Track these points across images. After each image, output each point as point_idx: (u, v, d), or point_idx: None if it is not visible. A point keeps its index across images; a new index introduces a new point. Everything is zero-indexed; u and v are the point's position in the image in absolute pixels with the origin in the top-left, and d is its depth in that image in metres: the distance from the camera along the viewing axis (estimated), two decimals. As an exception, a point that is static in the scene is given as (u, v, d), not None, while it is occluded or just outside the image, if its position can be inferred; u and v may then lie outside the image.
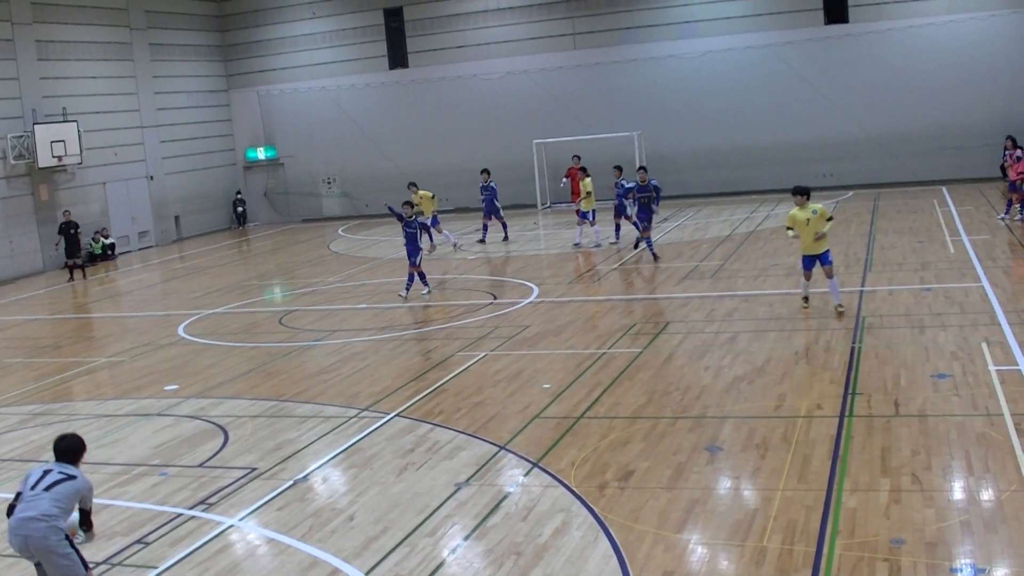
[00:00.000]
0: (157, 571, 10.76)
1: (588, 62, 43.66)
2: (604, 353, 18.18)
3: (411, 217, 25.23)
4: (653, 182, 27.92)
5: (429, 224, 30.66)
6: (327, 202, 48.24)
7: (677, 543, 10.32)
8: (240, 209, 48.93)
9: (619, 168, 31.71)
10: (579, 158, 40.16)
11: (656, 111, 42.46)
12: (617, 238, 31.45)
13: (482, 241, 34.11)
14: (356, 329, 22.55)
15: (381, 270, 31.03)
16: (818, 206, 19.99)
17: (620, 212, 30.98)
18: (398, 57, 46.55)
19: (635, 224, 28.74)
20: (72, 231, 36.44)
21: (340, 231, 42.33)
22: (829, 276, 19.89)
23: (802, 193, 20.05)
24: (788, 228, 20.12)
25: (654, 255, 27.64)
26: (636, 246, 28.97)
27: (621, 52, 43.24)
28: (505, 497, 11.91)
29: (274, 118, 49.05)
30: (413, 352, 19.87)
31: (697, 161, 42.16)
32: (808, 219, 19.67)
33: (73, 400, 18.99)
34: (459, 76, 45.65)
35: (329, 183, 48.46)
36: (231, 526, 11.86)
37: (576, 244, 31.88)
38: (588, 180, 31.30)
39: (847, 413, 13.81)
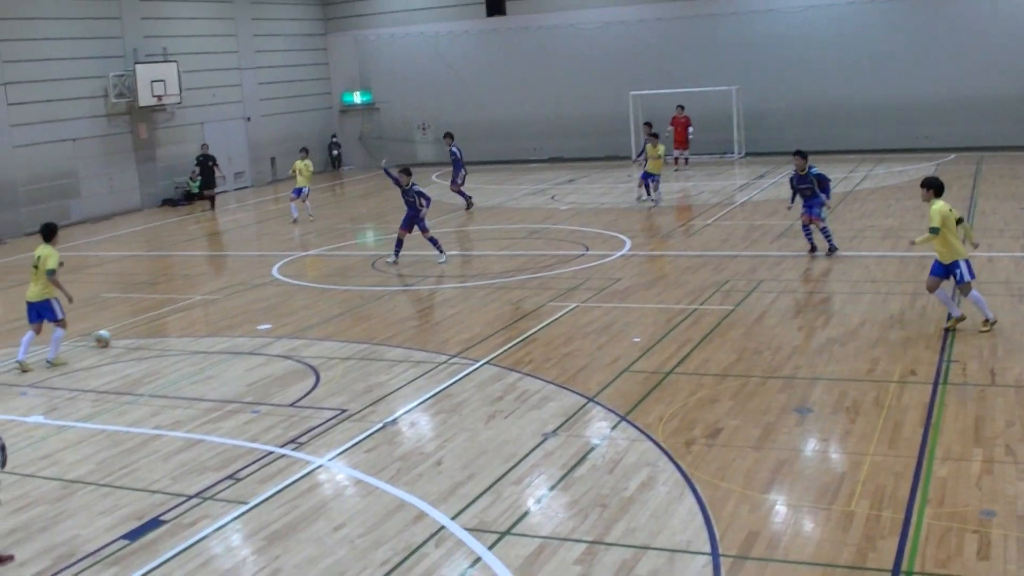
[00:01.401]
0: (247, 507, 10.94)
1: (687, 14, 43.14)
2: (695, 309, 18.10)
3: (408, 185, 23.65)
4: (814, 170, 22.30)
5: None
6: (421, 148, 48.35)
7: (763, 503, 10.28)
8: (335, 152, 49.27)
9: (649, 124, 31.89)
10: (682, 107, 40.00)
11: (754, 65, 41.87)
12: (648, 196, 31.29)
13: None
14: (447, 276, 22.64)
15: (473, 217, 31.07)
16: (47, 251, 17.39)
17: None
18: (496, 4, 46.31)
19: (819, 232, 22.54)
20: (210, 163, 38.05)
21: (434, 177, 42.41)
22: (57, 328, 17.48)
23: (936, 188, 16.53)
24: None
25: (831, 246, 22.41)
26: (830, 252, 22.26)
27: (721, 4, 42.67)
28: (592, 449, 11.94)
29: (371, 63, 49.19)
30: (503, 301, 19.91)
31: (794, 118, 41.54)
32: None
33: (167, 336, 19.32)
34: (556, 25, 45.39)
35: (424, 129, 48.55)
36: (320, 466, 12.03)
37: (648, 200, 31.02)
38: (662, 146, 30.69)
39: (941, 380, 13.63)
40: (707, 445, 11.82)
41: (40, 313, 17.59)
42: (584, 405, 13.53)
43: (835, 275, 20.33)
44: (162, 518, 10.81)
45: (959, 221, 16.18)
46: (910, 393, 13.19)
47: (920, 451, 11.26)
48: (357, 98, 49.48)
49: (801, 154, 22.70)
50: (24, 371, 17.06)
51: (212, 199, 38.21)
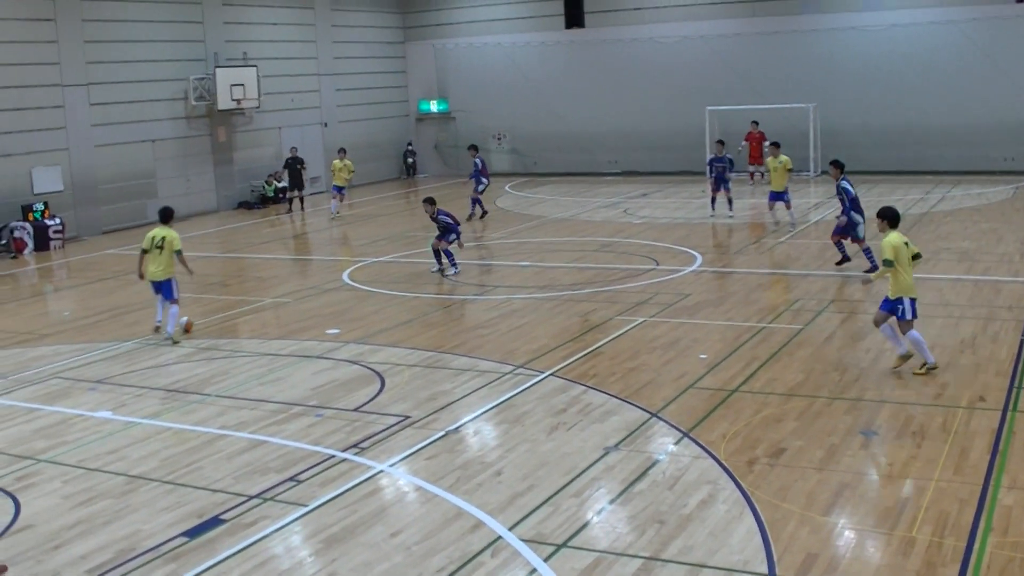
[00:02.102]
0: (307, 509, 11.01)
1: (766, 30, 42.89)
2: (764, 327, 17.97)
3: (433, 214, 24.26)
4: (842, 183, 22.29)
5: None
6: (496, 157, 48.41)
7: (823, 526, 10.18)
8: (410, 160, 49.51)
9: (721, 143, 31.95)
10: (757, 123, 39.78)
11: (832, 84, 41.51)
12: (713, 211, 31.29)
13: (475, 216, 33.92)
14: (516, 286, 22.66)
15: (545, 229, 31.08)
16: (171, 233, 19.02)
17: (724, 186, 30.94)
18: (575, 16, 46.32)
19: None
20: (297, 166, 38.72)
21: (507, 188, 42.52)
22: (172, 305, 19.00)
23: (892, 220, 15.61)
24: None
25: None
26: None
27: (801, 22, 42.35)
28: (653, 465, 11.89)
29: (448, 72, 49.40)
30: (571, 313, 19.88)
31: (871, 138, 41.13)
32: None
33: (238, 337, 19.49)
34: (634, 38, 45.29)
35: (499, 139, 48.66)
36: (381, 471, 12.08)
37: (789, 227, 28.65)
38: (785, 157, 28.43)
39: (1011, 407, 13.42)
40: (769, 465, 11.73)
41: (160, 290, 19.01)
42: (647, 420, 13.47)
43: (907, 297, 20.04)
44: (222, 517, 10.91)
45: (916, 256, 15.38)
46: (978, 419, 13.00)
47: (986, 478, 11.09)
48: (434, 107, 49.71)
49: (834, 163, 22.84)
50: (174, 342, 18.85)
51: (301, 200, 38.95)
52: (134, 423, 14.33)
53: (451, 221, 24.18)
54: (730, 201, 31.13)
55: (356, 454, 12.65)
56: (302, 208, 38.80)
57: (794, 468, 11.60)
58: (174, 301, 18.98)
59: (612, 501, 10.96)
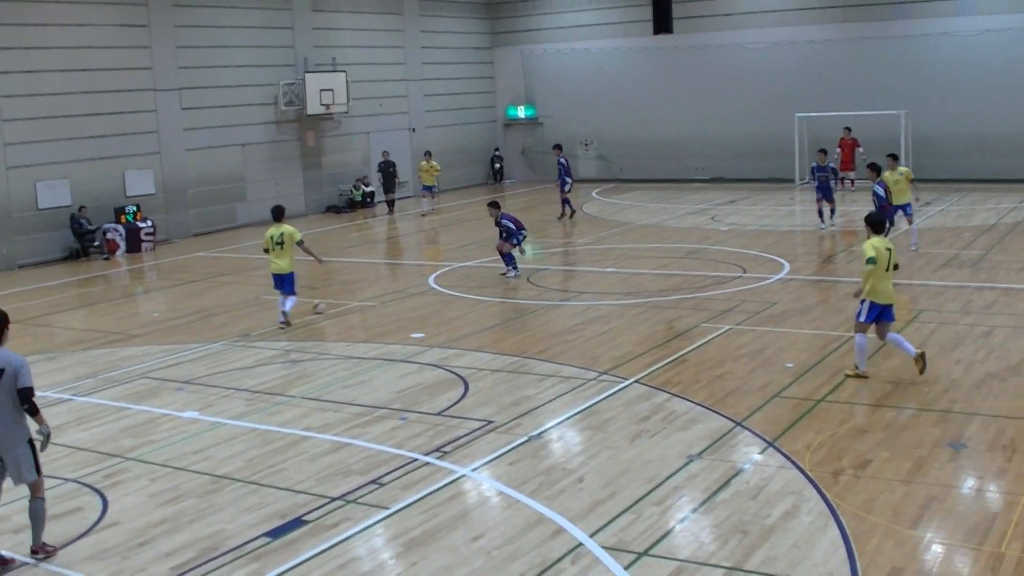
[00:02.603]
0: (388, 512, 11.05)
1: (857, 36, 42.38)
2: (851, 337, 17.68)
3: (497, 218, 25.22)
4: (876, 187, 24.19)
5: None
6: (583, 163, 48.35)
7: (909, 539, 10.01)
8: (497, 166, 49.62)
9: (824, 151, 31.46)
10: (849, 129, 39.36)
11: (924, 90, 40.91)
12: (823, 222, 30.53)
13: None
14: (602, 292, 22.61)
15: (631, 235, 30.98)
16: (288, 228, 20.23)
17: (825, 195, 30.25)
18: (663, 22, 46.00)
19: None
20: (391, 169, 39.76)
21: (594, 193, 42.46)
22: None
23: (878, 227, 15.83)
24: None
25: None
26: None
27: (892, 27, 41.79)
28: (737, 474, 11.78)
29: (536, 77, 49.44)
30: (656, 320, 19.78)
31: (964, 145, 40.48)
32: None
33: (324, 340, 19.65)
34: (723, 44, 45.00)
35: (586, 145, 48.60)
36: (463, 476, 12.09)
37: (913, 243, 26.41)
38: (904, 168, 26.62)
39: (1105, 421, 13.13)
40: (855, 476, 11.57)
41: (282, 283, 20.59)
42: (731, 429, 13.36)
43: (999, 308, 19.72)
44: (305, 518, 10.99)
45: (895, 267, 15.55)
46: (1072, 433, 12.73)
47: (1079, 494, 10.86)
48: (521, 112, 49.80)
49: (871, 166, 25.06)
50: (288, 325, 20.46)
51: (391, 203, 40.01)
52: (220, 423, 14.50)
53: (513, 226, 24.56)
54: (833, 211, 30.62)
55: (439, 458, 12.68)
56: (391, 211, 39.49)
57: (880, 480, 11.42)
58: (293, 293, 20.61)
59: (694, 510, 10.88)
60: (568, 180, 34.67)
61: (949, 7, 40.79)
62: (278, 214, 20.76)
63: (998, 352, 16.53)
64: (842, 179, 39.50)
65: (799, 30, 43.30)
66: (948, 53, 40.83)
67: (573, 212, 35.09)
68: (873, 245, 15.20)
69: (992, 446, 12.41)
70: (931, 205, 34.30)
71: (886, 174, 25.50)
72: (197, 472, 12.57)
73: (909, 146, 40.35)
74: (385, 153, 40.41)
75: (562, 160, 34.78)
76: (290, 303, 20.57)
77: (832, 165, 31.14)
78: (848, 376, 15.28)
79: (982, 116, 40.13)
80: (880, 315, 15.27)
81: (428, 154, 38.81)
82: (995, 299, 20.46)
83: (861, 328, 15.26)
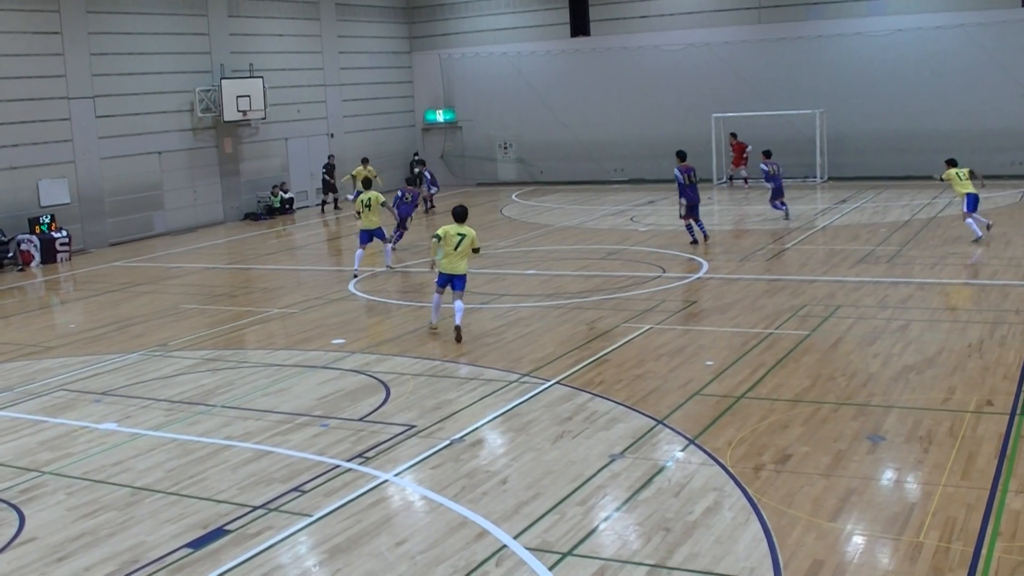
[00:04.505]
0: (311, 519, 10.97)
1: (772, 37, 42.84)
2: (770, 333, 17.91)
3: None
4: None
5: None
6: (503, 167, 48.43)
7: (830, 532, 10.11)
8: (417, 170, 49.40)
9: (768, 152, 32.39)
10: (735, 135, 39.98)
11: (839, 90, 41.47)
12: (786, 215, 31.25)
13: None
14: (523, 295, 22.64)
15: (551, 237, 31.05)
16: (471, 231, 18.86)
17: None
18: (580, 25, 46.27)
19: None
20: (330, 172, 41.69)
21: (514, 196, 42.53)
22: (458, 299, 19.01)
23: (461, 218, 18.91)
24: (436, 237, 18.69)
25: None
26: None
27: (807, 28, 42.31)
28: (659, 472, 11.84)
29: (454, 81, 49.41)
30: (577, 321, 19.84)
31: (879, 143, 41.08)
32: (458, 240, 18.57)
33: (244, 348, 19.49)
34: (640, 46, 45.26)
35: (505, 148, 48.66)
36: (386, 481, 12.04)
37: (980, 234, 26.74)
38: (958, 171, 27.00)
39: (1018, 411, 13.34)
40: (776, 471, 11.67)
41: (373, 235, 25.81)
42: (653, 427, 13.42)
43: (914, 302, 20.02)
44: (227, 528, 10.88)
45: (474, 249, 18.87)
46: (986, 424, 12.93)
47: (993, 483, 11.03)
48: (440, 116, 49.73)
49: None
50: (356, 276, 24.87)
51: (335, 202, 41.93)
52: (139, 434, 14.31)
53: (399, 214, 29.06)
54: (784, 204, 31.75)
55: (361, 464, 12.61)
56: (336, 207, 41.95)
57: (800, 474, 11.54)
58: (387, 240, 26.65)
59: (618, 509, 10.91)
60: (435, 188, 39.07)
61: (861, 7, 41.39)
62: (367, 184, 27.02)
63: (914, 345, 16.78)
64: (743, 178, 40.22)
65: (715, 31, 43.69)
66: (861, 53, 41.42)
67: (429, 209, 38.58)
68: (446, 228, 18.67)
69: (909, 438, 12.58)
70: (846, 203, 34.76)
71: (954, 172, 26.85)
72: (116, 484, 12.38)
73: (824, 145, 40.93)
74: (331, 157, 41.85)
75: (427, 173, 38.50)
76: (388, 254, 26.68)
77: (776, 163, 31.44)
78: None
79: (895, 114, 40.74)
80: (448, 283, 18.78)
81: (365, 160, 38.98)
82: (911, 293, 20.77)
83: (437, 290, 19.12)
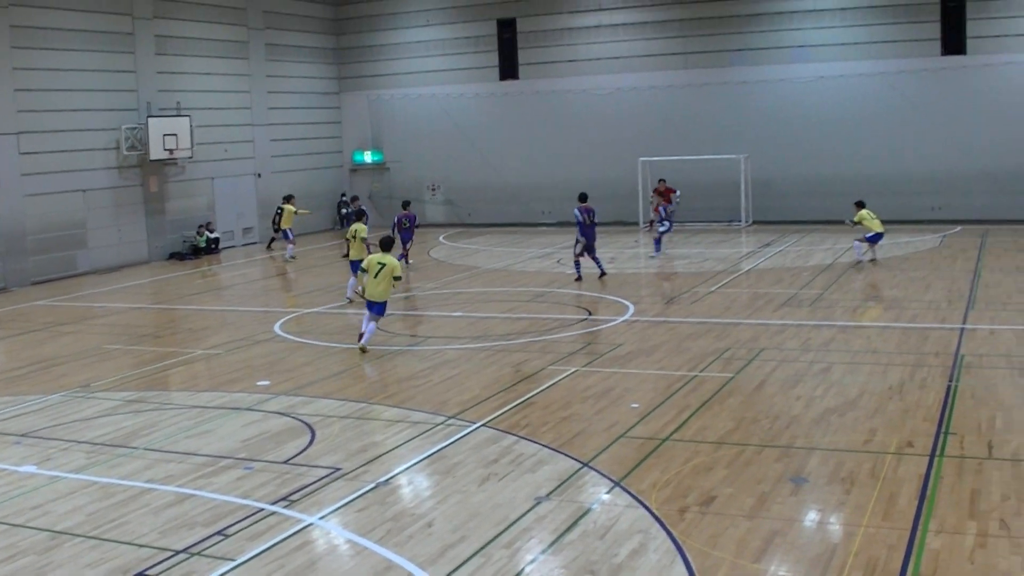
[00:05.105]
0: (235, 563, 10.86)
1: (698, 82, 43.42)
2: (695, 376, 18.05)
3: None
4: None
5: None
6: (430, 208, 48.48)
7: (754, 573, 10.19)
8: (345, 211, 49.35)
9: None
10: (664, 180, 40.30)
11: (764, 135, 42.09)
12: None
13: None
14: (449, 337, 22.64)
15: (478, 279, 31.10)
16: (392, 261, 21.07)
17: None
18: (509, 68, 46.70)
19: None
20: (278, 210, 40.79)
21: (441, 238, 42.56)
22: (372, 321, 21.29)
23: (387, 247, 21.33)
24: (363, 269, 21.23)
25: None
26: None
27: (732, 73, 42.95)
28: (584, 514, 11.86)
29: (383, 122, 49.47)
30: (504, 363, 19.87)
31: (803, 187, 41.71)
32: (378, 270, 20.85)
33: (168, 389, 19.30)
34: (568, 90, 45.65)
35: (433, 190, 48.73)
36: (311, 524, 11.95)
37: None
38: (865, 211, 31.13)
39: (938, 452, 13.55)
40: (700, 513, 11.74)
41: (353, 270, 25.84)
42: (579, 470, 13.45)
43: (836, 344, 20.29)
44: (148, 572, 10.73)
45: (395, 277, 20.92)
46: (906, 465, 13.12)
47: (914, 523, 11.18)
48: (368, 157, 49.72)
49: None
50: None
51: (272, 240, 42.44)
52: (59, 477, 14.09)
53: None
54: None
55: (285, 507, 12.51)
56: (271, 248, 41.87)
57: (725, 516, 11.62)
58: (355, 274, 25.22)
59: (543, 551, 10.92)
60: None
61: (786, 55, 42.07)
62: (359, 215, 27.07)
63: (836, 388, 16.99)
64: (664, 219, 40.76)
65: (642, 76, 44.17)
66: (786, 99, 42.09)
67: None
68: (370, 258, 21.21)
69: (832, 479, 12.72)
70: (770, 246, 35.16)
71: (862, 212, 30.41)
72: (35, 528, 12.18)
73: (749, 189, 41.43)
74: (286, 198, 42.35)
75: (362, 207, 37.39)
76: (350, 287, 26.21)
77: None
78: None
79: (819, 159, 41.42)
80: (370, 307, 21.04)
81: (288, 198, 39.22)
82: (832, 336, 21.04)
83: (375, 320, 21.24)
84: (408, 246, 31.32)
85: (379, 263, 20.78)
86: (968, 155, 39.75)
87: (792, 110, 41.96)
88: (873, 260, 30.29)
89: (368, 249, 25.72)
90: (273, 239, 41.64)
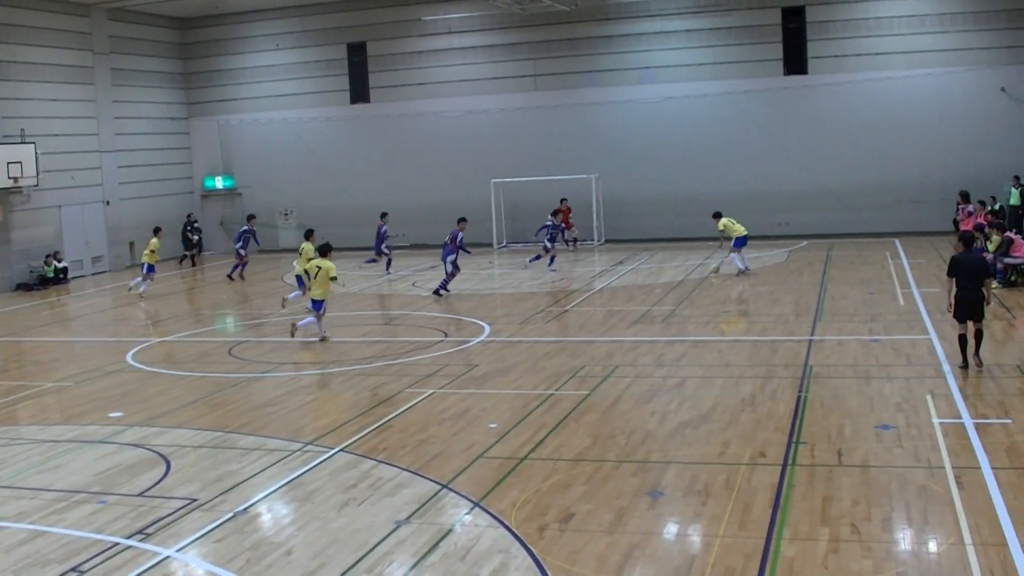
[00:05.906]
0: (90, 600, 10.65)
1: (548, 104, 43.91)
2: (551, 395, 18.21)
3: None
4: None
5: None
6: (284, 233, 48.09)
7: (614, 587, 10.32)
8: (196, 237, 48.62)
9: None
10: (565, 199, 40.63)
11: (614, 155, 42.73)
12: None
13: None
14: (304, 363, 22.50)
15: (333, 303, 30.87)
16: (327, 263, 24.18)
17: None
18: (360, 92, 46.67)
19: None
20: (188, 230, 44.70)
21: (294, 263, 42.07)
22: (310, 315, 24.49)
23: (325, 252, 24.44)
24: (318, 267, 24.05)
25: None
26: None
27: (581, 95, 43.55)
28: (444, 536, 11.88)
29: (233, 148, 48.96)
30: (361, 387, 19.80)
31: (653, 206, 42.45)
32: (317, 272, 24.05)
33: (16, 424, 18.77)
34: (420, 113, 45.76)
35: (286, 215, 48.36)
36: (168, 557, 11.75)
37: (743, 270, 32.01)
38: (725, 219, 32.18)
39: (790, 461, 13.89)
40: (560, 530, 11.84)
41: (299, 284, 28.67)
42: (438, 492, 13.47)
43: (689, 359, 20.66)
44: (-1, 613, 10.48)
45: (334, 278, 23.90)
46: (760, 475, 13.41)
47: (769, 532, 11.44)
48: (219, 183, 49.13)
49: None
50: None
51: (192, 258, 44.88)
52: (-98, 518, 13.65)
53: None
54: (552, 258, 35.29)
55: (141, 540, 12.28)
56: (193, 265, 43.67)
57: (584, 532, 11.74)
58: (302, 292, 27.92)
59: (405, 575, 10.90)
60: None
61: (633, 76, 42.81)
62: (324, 251, 24.88)
63: (690, 401, 17.30)
64: (571, 240, 41.04)
65: (492, 98, 44.50)
66: (634, 119, 42.81)
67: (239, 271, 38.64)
68: (313, 262, 24.57)
69: (688, 492, 12.94)
70: (623, 264, 35.65)
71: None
72: None
73: (600, 208, 41.96)
74: (190, 215, 45.92)
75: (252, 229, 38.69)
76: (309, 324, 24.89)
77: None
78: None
79: (668, 178, 42.22)
80: (312, 305, 24.20)
81: (157, 230, 37.53)
82: (685, 351, 21.42)
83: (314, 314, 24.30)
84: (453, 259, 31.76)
85: (316, 267, 24.03)
86: (811, 172, 40.94)
87: (641, 130, 42.69)
88: (747, 269, 31.68)
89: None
90: (185, 256, 43.54)
